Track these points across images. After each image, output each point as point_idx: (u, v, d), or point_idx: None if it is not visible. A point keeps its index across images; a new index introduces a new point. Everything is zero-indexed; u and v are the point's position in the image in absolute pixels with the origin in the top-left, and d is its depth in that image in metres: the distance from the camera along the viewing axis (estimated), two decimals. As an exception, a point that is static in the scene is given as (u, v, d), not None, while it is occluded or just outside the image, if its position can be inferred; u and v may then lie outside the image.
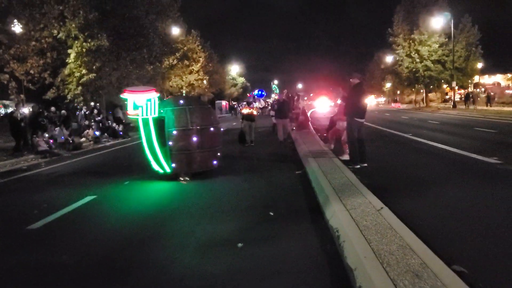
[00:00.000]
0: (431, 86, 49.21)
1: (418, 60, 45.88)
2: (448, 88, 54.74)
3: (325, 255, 3.89)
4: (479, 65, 49.11)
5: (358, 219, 4.33)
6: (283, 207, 5.72)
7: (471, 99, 38.31)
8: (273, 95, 60.20)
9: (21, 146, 14.54)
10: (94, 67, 20.66)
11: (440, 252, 3.44)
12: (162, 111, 8.04)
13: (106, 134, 19.80)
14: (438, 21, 41.87)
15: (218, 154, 8.64)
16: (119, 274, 3.74)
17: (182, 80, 40.74)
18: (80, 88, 21.11)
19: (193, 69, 42.74)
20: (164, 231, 4.95)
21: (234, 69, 69.79)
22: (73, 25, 18.73)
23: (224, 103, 62.15)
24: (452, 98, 43.67)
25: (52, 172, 10.58)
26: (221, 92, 60.23)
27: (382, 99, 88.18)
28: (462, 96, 49.65)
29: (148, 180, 8.22)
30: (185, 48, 39.38)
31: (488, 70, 57.07)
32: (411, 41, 46.01)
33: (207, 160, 8.34)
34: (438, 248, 3.59)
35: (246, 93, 67.38)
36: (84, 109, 21.79)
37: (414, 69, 46.53)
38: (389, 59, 56.19)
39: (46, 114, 18.63)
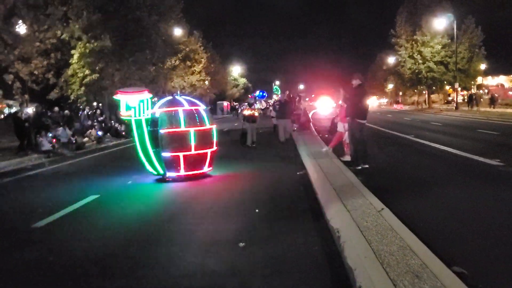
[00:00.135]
0: (434, 88, 49.16)
1: (420, 61, 45.80)
2: (450, 89, 54.63)
3: (325, 255, 3.93)
4: (482, 66, 48.97)
5: (358, 220, 4.37)
6: (284, 208, 5.77)
7: (474, 101, 38.23)
8: (274, 96, 60.24)
9: (25, 145, 14.64)
10: (97, 67, 20.75)
11: (440, 253, 3.46)
12: (155, 112, 7.98)
13: (108, 134, 19.91)
14: (441, 22, 41.76)
15: (213, 155, 8.45)
16: (123, 271, 3.79)
17: (184, 81, 40.82)
18: (83, 88, 21.19)
19: (195, 70, 42.83)
20: (166, 230, 5.00)
21: (236, 70, 69.89)
22: (77, 26, 18.79)
23: (225, 103, 62.25)
24: (455, 99, 43.58)
25: (55, 172, 10.66)
26: (222, 92, 60.32)
27: (384, 100, 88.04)
28: (465, 97, 49.52)
29: (151, 180, 8.27)
30: (187, 49, 39.47)
31: (491, 71, 56.85)
32: (413, 42, 45.94)
33: (202, 162, 8.20)
34: (439, 249, 3.62)
35: (247, 93, 67.37)
36: (87, 109, 21.89)
37: (416, 70, 46.45)
38: (391, 60, 56.13)
39: (49, 114, 18.75)
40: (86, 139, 17.79)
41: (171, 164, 7.93)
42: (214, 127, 8.51)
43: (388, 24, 61.93)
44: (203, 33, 46.81)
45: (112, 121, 21.41)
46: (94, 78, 20.69)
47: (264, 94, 41.61)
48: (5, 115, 35.31)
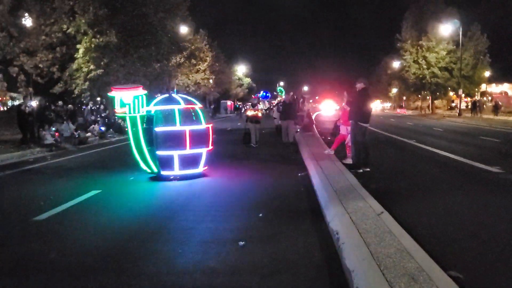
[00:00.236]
0: (438, 93, 49.07)
1: (425, 66, 45.76)
2: (454, 95, 54.57)
3: (324, 256, 3.97)
4: (487, 73, 48.91)
5: (358, 222, 4.40)
6: (285, 208, 5.80)
7: (478, 108, 38.17)
8: (278, 97, 60.20)
9: (28, 138, 14.71)
10: (102, 63, 20.83)
11: (437, 258, 3.50)
12: (151, 109, 7.87)
13: (111, 129, 19.97)
14: (446, 28, 41.73)
15: (208, 154, 8.33)
16: (123, 266, 3.82)
17: (189, 79, 40.91)
18: (87, 83, 21.28)
19: (199, 68, 42.93)
20: (167, 227, 5.04)
21: (240, 70, 69.94)
22: (83, 21, 18.91)
23: (229, 103, 62.30)
24: (458, 106, 43.53)
25: (58, 166, 10.71)
26: (226, 91, 60.36)
27: (388, 105, 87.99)
28: (468, 104, 49.44)
29: (152, 177, 8.30)
30: (193, 47, 39.51)
31: (495, 79, 56.72)
32: (418, 47, 45.91)
33: (197, 161, 8.09)
34: (436, 254, 3.66)
35: (251, 93, 67.44)
36: (90, 104, 21.96)
37: (421, 76, 46.42)
38: (396, 64, 56.11)
39: (53, 108, 18.82)
40: (89, 134, 17.86)
41: (166, 162, 7.83)
42: (210, 126, 8.36)
43: (393, 28, 61.91)
44: (208, 32, 46.92)
45: (115, 117, 21.47)
46: (98, 73, 20.77)
47: (267, 94, 41.58)
48: (8, 107, 35.45)
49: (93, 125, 19.02)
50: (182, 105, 7.98)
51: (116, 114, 8.29)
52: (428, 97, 53.81)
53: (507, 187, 7.13)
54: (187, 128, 7.80)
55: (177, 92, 33.41)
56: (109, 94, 8.05)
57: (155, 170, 8.04)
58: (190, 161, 7.99)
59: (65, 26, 17.61)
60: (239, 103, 65.39)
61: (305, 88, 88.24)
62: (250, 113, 14.41)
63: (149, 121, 7.92)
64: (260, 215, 5.48)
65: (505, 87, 61.68)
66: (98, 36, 19.89)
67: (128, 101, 7.72)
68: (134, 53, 22.15)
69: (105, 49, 20.68)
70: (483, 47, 45.21)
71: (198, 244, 4.36)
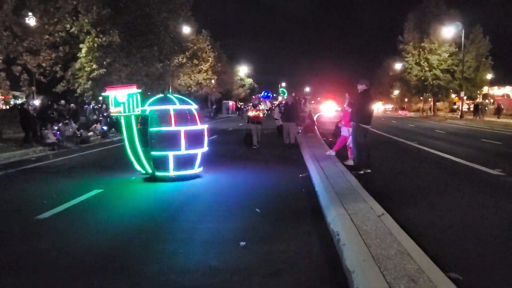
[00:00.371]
0: (439, 95, 49.06)
1: (427, 68, 45.76)
2: (456, 98, 54.52)
3: (325, 257, 3.99)
4: (489, 76, 48.87)
5: (358, 224, 4.42)
6: (286, 209, 5.81)
7: (480, 110, 38.13)
8: (279, 98, 60.22)
9: (30, 137, 14.77)
10: (104, 62, 20.90)
11: (437, 259, 3.51)
12: (146, 109, 7.81)
13: (113, 129, 20.01)
14: (449, 31, 41.70)
15: (202, 155, 8.23)
16: (124, 265, 3.85)
17: (191, 79, 40.96)
18: (90, 82, 21.36)
19: (202, 68, 42.98)
20: (168, 227, 5.06)
21: (242, 70, 69.99)
22: (86, 20, 18.99)
23: (231, 103, 62.34)
24: (460, 108, 43.49)
25: (60, 165, 10.76)
26: (228, 92, 60.40)
27: (389, 106, 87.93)
28: (470, 106, 49.39)
29: (154, 177, 8.32)
30: (195, 47, 39.57)
31: (497, 81, 56.65)
32: (421, 49, 45.90)
33: (192, 162, 8.01)
34: (436, 255, 3.67)
35: (253, 94, 67.47)
36: (92, 104, 22.03)
37: (422, 78, 46.41)
38: (398, 66, 56.08)
39: (55, 107, 18.88)
40: (91, 133, 17.91)
41: (161, 163, 7.76)
42: (205, 127, 8.30)
43: (396, 30, 61.86)
44: (211, 32, 46.99)
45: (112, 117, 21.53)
46: (101, 72, 20.85)
47: (268, 94, 41.51)
48: (11, 106, 35.51)
49: (95, 124, 19.08)
50: (178, 106, 7.91)
51: (110, 114, 8.27)
52: (429, 99, 53.78)
53: (507, 190, 7.14)
54: (183, 129, 7.71)
55: (179, 93, 33.53)
56: (103, 94, 8.09)
57: (150, 170, 7.96)
58: (185, 162, 7.90)
59: (68, 26, 17.67)
60: (241, 103, 65.40)
61: (307, 89, 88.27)
62: (251, 113, 14.25)
63: (144, 121, 7.84)
64: (258, 211, 5.51)
65: (507, 89, 61.53)
66: (101, 35, 19.97)
67: (123, 100, 7.72)
68: (136, 53, 22.20)
69: (108, 49, 20.75)
70: (485, 50, 45.22)
71: (199, 244, 4.39)
